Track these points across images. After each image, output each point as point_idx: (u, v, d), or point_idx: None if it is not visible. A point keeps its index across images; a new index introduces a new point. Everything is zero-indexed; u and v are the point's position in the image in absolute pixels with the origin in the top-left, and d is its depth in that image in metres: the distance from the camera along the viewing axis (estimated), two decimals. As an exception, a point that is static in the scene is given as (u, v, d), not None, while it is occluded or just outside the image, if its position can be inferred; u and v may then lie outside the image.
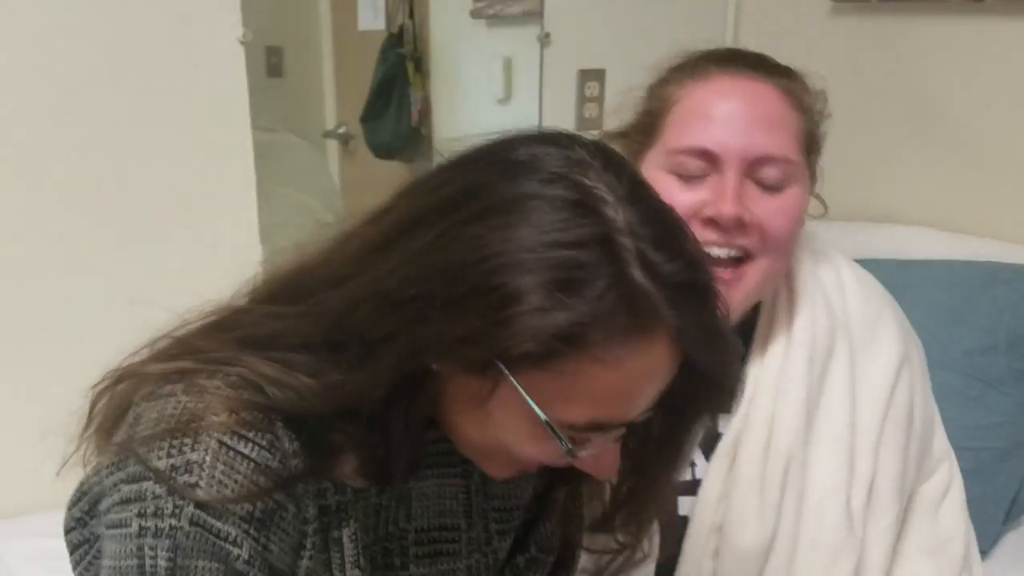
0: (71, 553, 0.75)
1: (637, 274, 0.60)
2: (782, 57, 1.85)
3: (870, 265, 1.69)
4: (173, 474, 0.64)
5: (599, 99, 2.00)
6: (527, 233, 0.60)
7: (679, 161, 0.94)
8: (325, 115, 2.76)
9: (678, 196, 0.92)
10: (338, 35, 2.75)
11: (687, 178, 0.94)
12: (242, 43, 1.49)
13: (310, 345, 0.67)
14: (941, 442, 1.12)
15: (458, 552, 0.83)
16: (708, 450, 1.01)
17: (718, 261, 0.93)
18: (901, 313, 1.11)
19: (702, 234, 0.91)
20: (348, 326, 0.66)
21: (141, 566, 0.65)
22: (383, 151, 2.73)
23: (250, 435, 0.65)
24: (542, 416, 0.63)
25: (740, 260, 0.94)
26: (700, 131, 0.93)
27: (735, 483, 0.98)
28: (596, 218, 0.61)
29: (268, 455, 0.66)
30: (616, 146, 0.91)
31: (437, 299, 0.61)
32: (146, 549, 0.64)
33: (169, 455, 0.64)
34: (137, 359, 0.71)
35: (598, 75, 1.99)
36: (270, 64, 2.67)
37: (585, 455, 0.67)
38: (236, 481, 0.64)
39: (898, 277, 1.72)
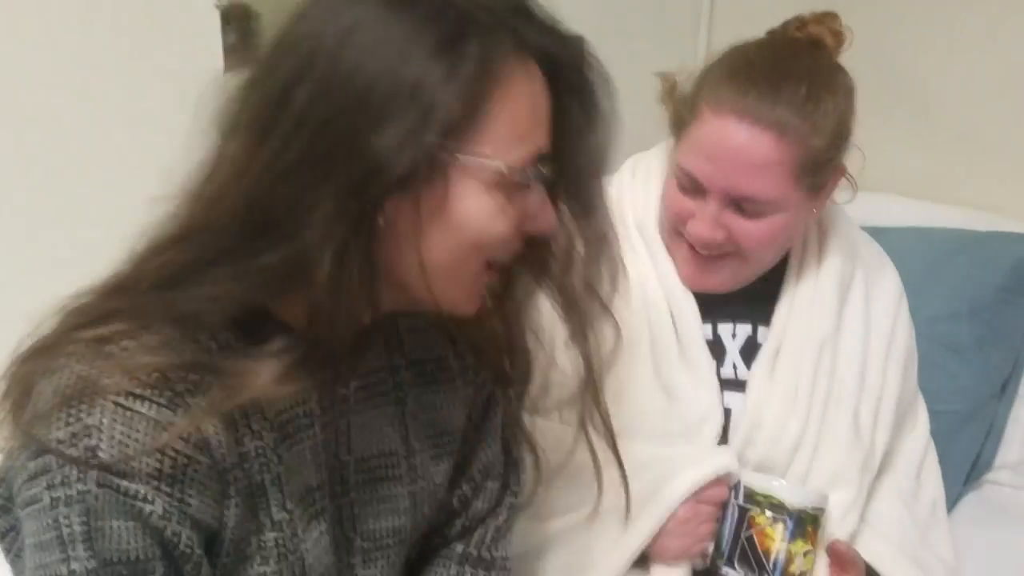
0: (0, 540, 0.76)
1: (482, 13, 0.67)
2: (753, 28, 1.87)
3: None
4: (74, 441, 0.65)
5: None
6: (390, 30, 0.65)
7: (680, 174, 1.07)
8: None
9: (677, 201, 1.09)
10: None
11: (685, 189, 1.08)
12: (217, 7, 1.47)
13: (226, 253, 0.68)
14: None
15: (399, 477, 0.85)
16: (747, 355, 1.15)
17: (706, 256, 1.10)
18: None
19: (689, 235, 1.08)
20: (266, 210, 0.66)
21: (59, 536, 0.66)
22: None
23: (147, 394, 0.66)
24: (504, 164, 0.68)
25: (725, 255, 1.09)
26: (697, 160, 1.05)
27: (775, 385, 1.12)
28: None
29: (169, 412, 0.66)
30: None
31: (351, 131, 0.64)
32: (60, 519, 0.66)
33: (67, 423, 0.65)
34: (40, 336, 0.71)
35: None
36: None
37: (531, 198, 0.71)
38: (137, 440, 0.65)
39: None
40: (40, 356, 0.70)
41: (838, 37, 1.10)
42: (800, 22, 1.09)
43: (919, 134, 1.90)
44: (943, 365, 1.60)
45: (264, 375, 0.68)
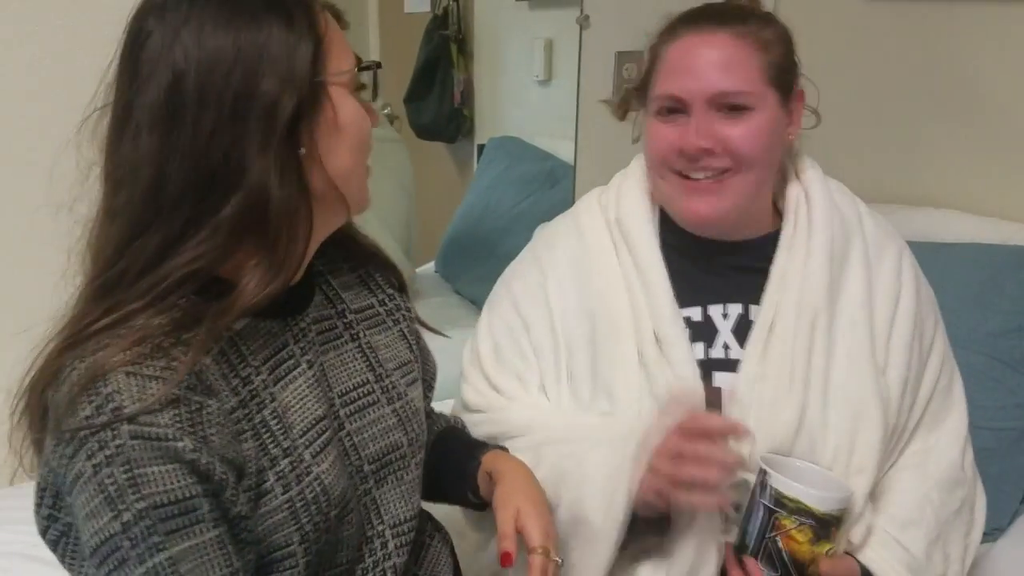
0: (55, 551, 0.84)
1: None
2: (819, 44, 1.88)
3: None
4: (99, 412, 0.73)
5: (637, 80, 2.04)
6: (233, 11, 0.80)
7: (659, 106, 1.14)
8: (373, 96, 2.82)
9: (662, 133, 1.13)
10: (384, 17, 2.82)
11: (666, 119, 1.13)
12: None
13: (192, 222, 0.79)
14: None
15: (379, 401, 0.98)
16: (740, 335, 1.15)
17: (701, 181, 1.13)
18: (910, 254, 1.26)
19: (683, 163, 1.12)
20: (208, 174, 0.79)
21: (107, 497, 0.73)
22: (425, 132, 2.80)
23: (147, 360, 0.76)
24: (349, 67, 0.85)
25: (722, 175, 1.12)
26: (671, 81, 1.12)
27: (769, 364, 1.12)
28: None
29: (169, 371, 0.76)
30: (633, 101, 1.21)
31: (243, 92, 0.78)
32: (105, 480, 0.73)
33: (90, 402, 0.74)
34: (40, 364, 0.80)
35: (636, 57, 2.02)
36: None
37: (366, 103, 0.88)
38: (152, 394, 0.74)
39: (928, 259, 1.75)
40: (46, 376, 0.78)
41: None
42: None
43: (985, 150, 1.88)
44: (1002, 380, 1.59)
45: (245, 293, 0.81)
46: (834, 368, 1.13)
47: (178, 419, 0.75)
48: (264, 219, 0.81)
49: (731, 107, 1.10)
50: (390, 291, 1.07)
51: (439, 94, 2.77)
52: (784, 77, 1.14)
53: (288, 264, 0.83)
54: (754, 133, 1.11)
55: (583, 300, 1.20)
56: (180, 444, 0.74)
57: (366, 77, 0.91)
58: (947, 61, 1.92)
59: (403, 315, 1.07)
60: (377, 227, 2.25)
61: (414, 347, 1.06)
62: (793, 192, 1.21)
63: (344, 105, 0.85)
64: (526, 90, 2.61)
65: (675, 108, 1.12)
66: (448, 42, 2.76)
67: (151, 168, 0.79)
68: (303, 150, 0.82)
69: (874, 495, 1.14)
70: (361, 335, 1.00)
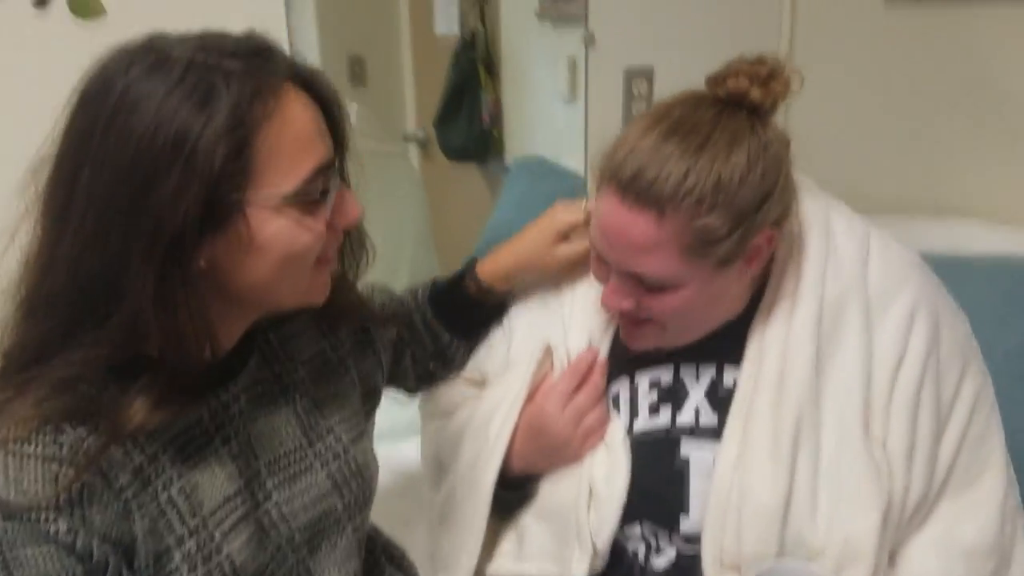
0: None
1: (227, 62, 0.73)
2: (839, 50, 1.85)
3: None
4: None
5: (648, 97, 2.02)
6: (150, 98, 0.71)
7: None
8: (406, 120, 2.87)
9: (595, 265, 1.06)
10: (416, 42, 2.86)
11: (597, 257, 1.05)
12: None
13: (78, 322, 0.74)
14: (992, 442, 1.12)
15: (311, 467, 0.93)
16: (713, 398, 1.07)
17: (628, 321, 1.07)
18: (934, 286, 1.14)
19: (602, 303, 1.07)
20: (90, 281, 0.73)
21: None
22: (455, 154, 2.82)
23: (32, 437, 0.73)
24: (289, 190, 0.75)
25: (640, 320, 1.05)
26: (596, 234, 1.02)
27: (749, 445, 1.02)
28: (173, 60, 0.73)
29: (55, 448, 0.72)
30: None
31: (132, 196, 0.70)
32: None
33: None
34: None
35: (646, 73, 2.01)
36: (353, 73, 2.80)
37: (329, 204, 0.80)
38: (31, 476, 0.71)
39: (947, 276, 1.70)
40: None
41: (767, 87, 0.97)
42: (718, 79, 0.99)
43: (1010, 159, 1.82)
44: (1021, 402, 1.53)
45: (137, 413, 0.75)
46: (824, 444, 1.02)
47: (55, 501, 0.72)
48: (147, 338, 0.74)
49: (648, 284, 1.00)
50: (344, 335, 1.02)
51: (468, 116, 2.79)
52: (726, 249, 0.97)
53: (184, 379, 0.77)
54: (676, 305, 1.00)
55: (538, 328, 1.18)
56: (54, 528, 0.72)
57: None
58: (970, 66, 1.86)
59: (356, 358, 1.02)
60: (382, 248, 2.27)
61: (362, 400, 1.02)
62: (785, 246, 1.07)
63: (266, 227, 0.76)
64: (551, 109, 2.62)
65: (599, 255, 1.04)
66: (476, 64, 2.78)
67: (40, 259, 0.76)
68: (203, 262, 0.75)
69: (894, 568, 1.05)
70: (299, 398, 0.95)
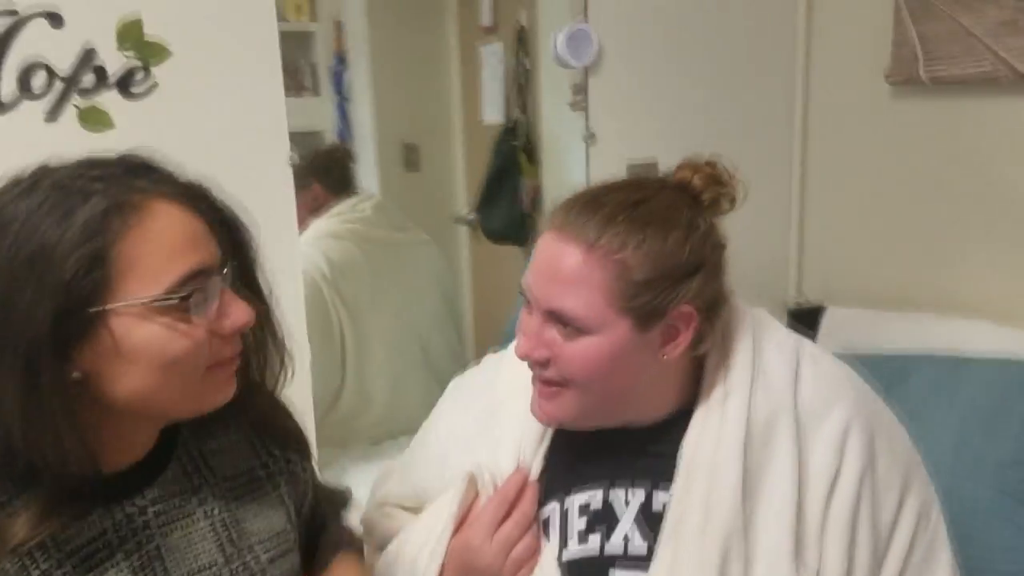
0: None
1: (93, 182, 0.77)
2: (844, 139, 1.83)
3: (922, 362, 1.64)
4: None
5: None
6: (17, 215, 0.74)
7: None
8: (456, 203, 2.96)
9: (521, 318, 1.06)
10: (467, 129, 2.97)
11: (526, 308, 1.06)
12: (291, 165, 1.68)
13: None
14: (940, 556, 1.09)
15: None
16: (644, 522, 1.06)
17: (537, 379, 1.06)
18: (870, 400, 1.12)
19: (516, 352, 1.06)
20: None
21: None
22: (496, 236, 2.90)
23: None
24: (152, 296, 0.76)
25: (555, 384, 1.04)
26: (526, 275, 1.04)
27: (678, 572, 1.01)
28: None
29: None
30: None
31: (2, 318, 0.72)
32: None
33: None
34: None
35: (651, 169, 2.04)
36: (407, 159, 2.93)
37: (207, 310, 0.80)
38: None
39: (944, 376, 1.65)
40: None
41: (706, 180, 1.05)
42: (676, 168, 1.08)
43: (1015, 256, 1.77)
44: (1012, 518, 1.47)
45: (21, 528, 0.76)
46: (753, 574, 1.00)
47: None
48: (20, 452, 0.74)
49: (565, 326, 1.00)
50: (277, 452, 1.01)
51: (508, 200, 2.87)
52: (652, 301, 0.99)
53: (72, 487, 0.76)
54: (585, 357, 1.00)
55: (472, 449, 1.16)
56: None
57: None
58: (976, 158, 1.84)
59: (287, 479, 1.01)
60: (404, 333, 2.34)
61: (292, 516, 1.01)
62: (713, 362, 1.08)
63: (134, 334, 0.77)
64: (584, 195, 2.67)
65: (528, 299, 1.04)
66: (517, 151, 2.86)
67: None
68: (77, 373, 0.76)
69: None
70: (218, 512, 0.93)
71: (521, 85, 2.81)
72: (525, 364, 1.08)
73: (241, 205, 0.95)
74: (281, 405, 1.01)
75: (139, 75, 1.54)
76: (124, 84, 1.53)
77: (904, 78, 1.88)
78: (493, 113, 2.96)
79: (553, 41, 1.93)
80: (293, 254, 1.72)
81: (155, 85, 1.56)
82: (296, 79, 3.39)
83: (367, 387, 2.30)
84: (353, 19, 3.00)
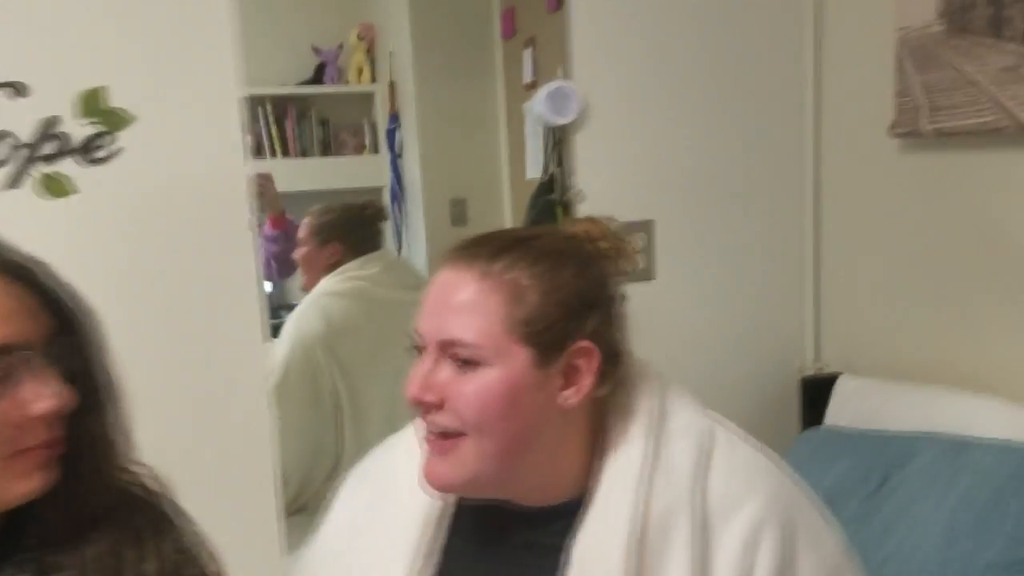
0: None
1: None
2: (860, 196, 1.72)
3: (925, 443, 1.50)
4: None
5: (649, 250, 1.97)
6: None
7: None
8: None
9: (413, 367, 0.98)
10: (513, 185, 2.97)
11: (417, 358, 0.99)
12: (250, 228, 1.71)
13: None
14: None
15: None
16: None
17: (432, 439, 0.98)
18: (792, 495, 1.02)
19: (415, 413, 0.99)
20: None
21: None
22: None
23: None
24: None
25: (449, 435, 0.96)
26: (418, 314, 0.99)
27: None
28: None
29: None
30: None
31: None
32: None
33: None
34: None
35: (645, 226, 1.96)
36: (455, 215, 2.95)
37: (6, 390, 0.78)
38: None
39: (944, 462, 1.51)
40: None
41: (604, 231, 1.03)
42: (575, 223, 1.06)
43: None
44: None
45: None
46: None
47: None
48: None
49: (459, 358, 0.95)
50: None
51: (544, 256, 2.83)
52: (550, 329, 0.95)
53: None
54: (480, 393, 0.94)
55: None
56: None
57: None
58: (986, 216, 1.67)
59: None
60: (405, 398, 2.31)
61: None
62: (612, 438, 0.99)
63: None
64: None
65: (420, 347, 0.99)
66: (553, 205, 2.82)
67: None
68: None
69: None
70: None
71: (557, 140, 2.80)
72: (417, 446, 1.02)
73: (75, 291, 0.94)
74: (118, 493, 0.91)
75: (102, 142, 1.60)
76: (86, 151, 1.59)
77: (908, 130, 1.75)
78: (534, 168, 2.95)
79: (534, 100, 1.89)
80: (253, 321, 1.73)
81: (118, 151, 1.61)
82: (357, 138, 3.49)
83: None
84: (405, 80, 3.06)
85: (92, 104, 1.59)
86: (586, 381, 0.96)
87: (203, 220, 1.67)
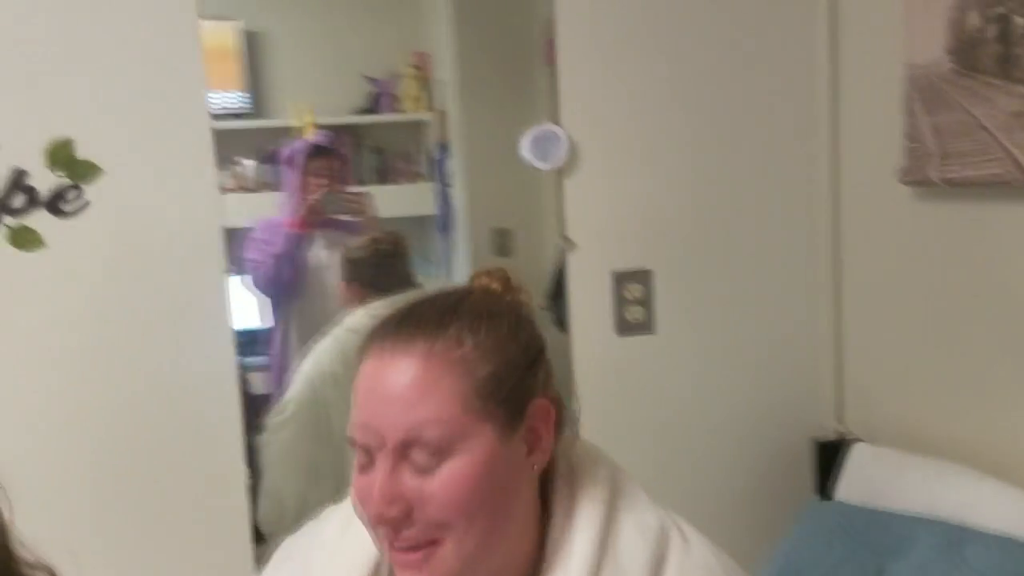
0: None
1: None
2: (879, 247, 1.58)
3: (928, 529, 1.37)
4: None
5: (647, 301, 1.85)
6: None
7: (353, 450, 0.90)
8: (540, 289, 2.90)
9: (357, 482, 0.89)
10: (559, 217, 2.90)
11: (360, 463, 0.89)
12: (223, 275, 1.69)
13: None
14: None
15: None
16: None
17: (405, 552, 0.87)
18: None
19: (377, 529, 0.88)
20: None
21: None
22: (563, 326, 2.77)
23: None
24: None
25: (423, 545, 0.87)
26: (354, 420, 0.89)
27: None
28: None
29: None
30: None
31: None
32: None
33: None
34: None
35: (643, 276, 1.84)
36: (500, 245, 2.90)
37: None
38: None
39: (942, 556, 1.37)
40: None
41: (504, 284, 0.97)
42: (471, 278, 1.00)
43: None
44: None
45: None
46: None
47: None
48: None
49: (421, 457, 0.85)
50: None
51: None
52: (508, 395, 0.88)
53: None
54: (458, 481, 0.85)
55: None
56: None
57: None
58: (1001, 273, 1.50)
59: None
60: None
61: None
62: (557, 525, 0.91)
63: None
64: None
65: (363, 456, 0.88)
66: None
67: None
68: None
69: None
70: None
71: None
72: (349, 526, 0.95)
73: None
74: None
75: (70, 194, 1.62)
76: (55, 203, 1.61)
77: (918, 178, 1.57)
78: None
79: (520, 144, 1.81)
80: (227, 371, 1.72)
81: (87, 203, 1.62)
82: (410, 166, 3.49)
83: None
84: (453, 108, 3.04)
85: (62, 155, 1.61)
86: (547, 440, 0.90)
87: (176, 269, 1.68)
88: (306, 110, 3.17)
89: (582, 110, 1.80)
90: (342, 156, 2.91)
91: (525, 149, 1.80)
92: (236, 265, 2.51)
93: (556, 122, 1.81)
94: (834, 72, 1.81)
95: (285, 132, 3.12)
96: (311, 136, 2.93)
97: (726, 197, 1.86)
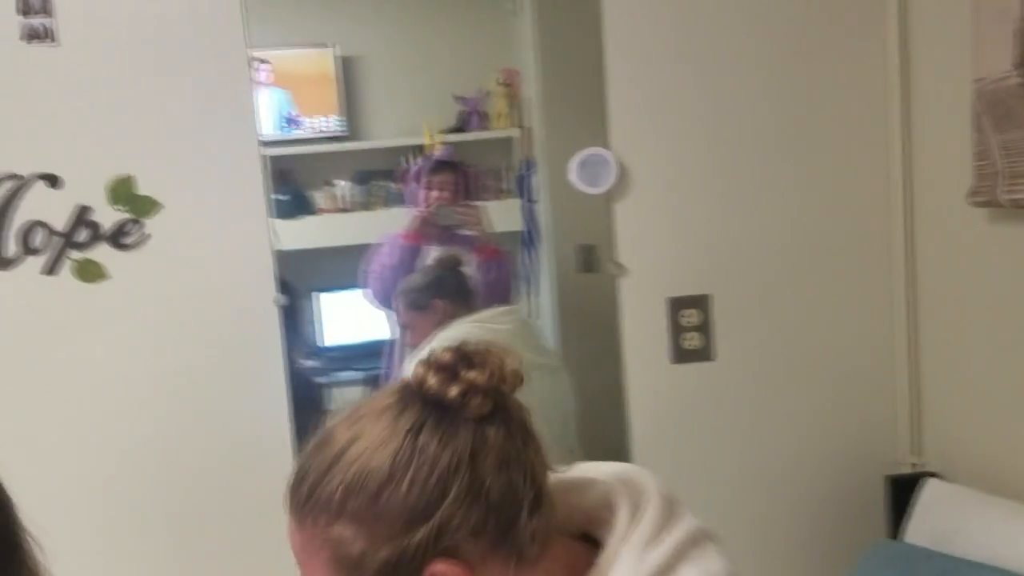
0: None
1: None
2: (955, 270, 1.43)
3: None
4: None
5: (705, 328, 1.77)
6: None
7: None
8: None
9: None
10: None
11: None
12: (276, 305, 1.73)
13: None
14: None
15: None
16: None
17: None
18: None
19: None
20: None
21: None
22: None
23: None
24: None
25: None
26: None
27: None
28: None
29: None
30: None
31: None
32: None
33: None
34: None
35: (701, 302, 1.77)
36: (584, 261, 2.87)
37: None
38: None
39: None
40: None
41: (445, 375, 0.82)
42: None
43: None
44: None
45: None
46: None
47: None
48: None
49: None
50: None
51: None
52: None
53: None
54: None
55: None
56: None
57: None
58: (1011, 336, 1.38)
59: None
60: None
61: None
62: None
63: None
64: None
65: None
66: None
67: None
68: None
69: None
70: None
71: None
72: None
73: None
74: None
75: (131, 228, 1.68)
76: (116, 237, 1.68)
77: (986, 199, 1.45)
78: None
79: (568, 168, 1.77)
80: (279, 398, 1.75)
81: (147, 236, 1.69)
82: (498, 183, 3.50)
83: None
84: (538, 125, 3.03)
85: (123, 192, 1.68)
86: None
87: (230, 300, 1.72)
88: (434, 129, 3.22)
89: (631, 132, 1.74)
90: (464, 170, 2.94)
91: (573, 173, 1.76)
92: (361, 279, 2.58)
93: (605, 145, 1.76)
94: (906, 89, 1.70)
95: (380, 154, 3.18)
96: (436, 151, 2.98)
97: (790, 218, 1.77)
